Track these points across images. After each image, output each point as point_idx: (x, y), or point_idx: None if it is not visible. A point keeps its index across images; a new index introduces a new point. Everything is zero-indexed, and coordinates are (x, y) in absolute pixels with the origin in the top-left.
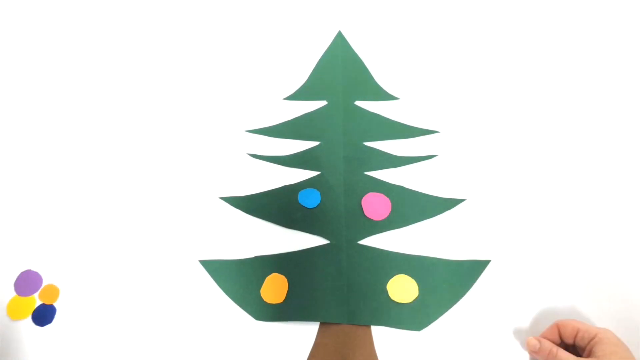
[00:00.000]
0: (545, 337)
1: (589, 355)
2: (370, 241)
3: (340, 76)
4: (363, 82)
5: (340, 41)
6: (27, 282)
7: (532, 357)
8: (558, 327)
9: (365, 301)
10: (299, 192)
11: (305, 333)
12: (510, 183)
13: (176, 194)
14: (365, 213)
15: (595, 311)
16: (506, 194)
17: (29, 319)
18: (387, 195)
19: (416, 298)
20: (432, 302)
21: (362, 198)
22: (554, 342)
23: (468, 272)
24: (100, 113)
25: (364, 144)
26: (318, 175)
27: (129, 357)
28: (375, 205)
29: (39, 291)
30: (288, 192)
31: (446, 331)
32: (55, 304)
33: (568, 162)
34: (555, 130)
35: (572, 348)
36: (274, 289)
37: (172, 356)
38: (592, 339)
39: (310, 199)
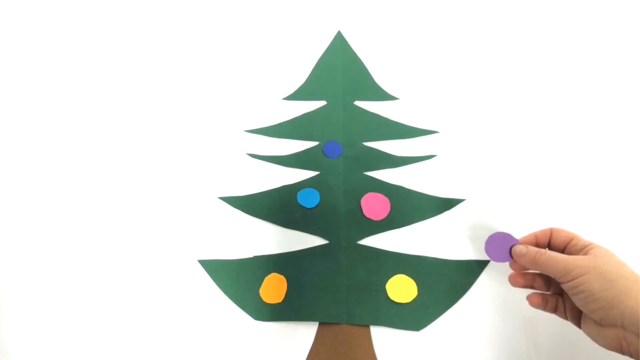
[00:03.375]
0: (537, 236)
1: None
2: (370, 241)
3: (340, 76)
4: (362, 82)
5: (339, 41)
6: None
7: (517, 262)
8: (552, 232)
9: (365, 301)
10: (298, 192)
11: (305, 333)
12: (509, 183)
13: (175, 194)
14: (365, 213)
15: None
16: (506, 194)
17: None
18: (387, 195)
19: (415, 298)
20: (431, 302)
21: (361, 198)
22: (543, 244)
23: (467, 272)
24: (99, 113)
25: (363, 144)
26: (317, 175)
27: (128, 357)
28: (374, 205)
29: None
30: (287, 192)
31: (445, 331)
32: (55, 304)
33: (567, 161)
34: (554, 130)
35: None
36: (273, 289)
37: (172, 356)
38: (587, 246)
39: (309, 199)
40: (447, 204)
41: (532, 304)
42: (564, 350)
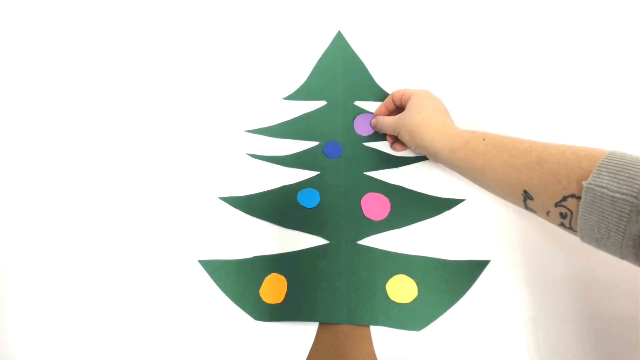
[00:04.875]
0: (385, 104)
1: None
2: (370, 241)
3: (340, 76)
4: (362, 82)
5: (339, 41)
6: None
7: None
8: (392, 96)
9: (365, 301)
10: (299, 192)
11: (304, 333)
12: None
13: (176, 194)
14: (365, 213)
15: (595, 310)
16: None
17: None
18: (387, 196)
19: (415, 298)
20: (431, 302)
21: (361, 198)
22: (390, 108)
23: (467, 272)
24: (99, 113)
25: (363, 144)
26: (317, 175)
27: (128, 357)
28: (374, 206)
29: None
30: (287, 192)
31: (445, 331)
32: (55, 304)
33: None
34: (555, 130)
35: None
36: (273, 289)
37: (171, 356)
38: (409, 97)
39: (309, 199)
40: (447, 204)
41: (397, 150)
42: (564, 350)
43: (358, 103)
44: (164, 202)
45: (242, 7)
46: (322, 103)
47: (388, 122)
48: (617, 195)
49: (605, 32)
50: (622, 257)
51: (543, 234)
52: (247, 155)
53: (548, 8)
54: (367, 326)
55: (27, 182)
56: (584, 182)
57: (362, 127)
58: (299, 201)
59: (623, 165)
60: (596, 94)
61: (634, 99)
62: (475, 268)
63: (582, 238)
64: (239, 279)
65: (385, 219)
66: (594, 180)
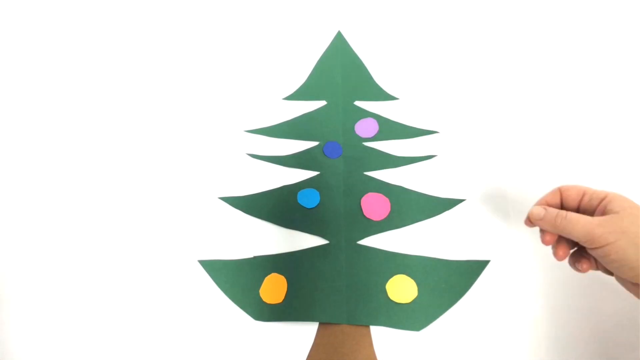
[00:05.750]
0: (547, 204)
1: (602, 214)
2: (370, 241)
3: (340, 76)
4: (362, 82)
5: (339, 41)
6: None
7: (535, 225)
8: (560, 192)
9: (365, 301)
10: (298, 192)
11: (304, 333)
12: (509, 183)
13: (175, 194)
14: (365, 213)
15: (595, 310)
16: (506, 194)
17: None
18: (387, 196)
19: (415, 298)
20: (431, 303)
21: (361, 198)
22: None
23: (467, 272)
24: (99, 113)
25: (363, 144)
26: (317, 175)
27: (128, 357)
28: (374, 206)
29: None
30: (287, 192)
31: (445, 331)
32: (55, 304)
33: (567, 162)
34: (554, 130)
35: (576, 212)
36: (273, 289)
37: (171, 356)
38: (603, 199)
39: (309, 199)
40: (447, 204)
41: (560, 258)
42: (565, 350)
43: (358, 103)
44: (164, 202)
45: (242, 8)
46: (322, 103)
47: (582, 224)
48: None
49: (604, 34)
50: None
51: None
52: (247, 155)
53: (547, 10)
54: (367, 326)
55: (27, 182)
56: None
57: (363, 131)
58: (299, 201)
59: None
60: (595, 95)
61: (634, 103)
62: (475, 268)
63: None
64: (239, 279)
65: (385, 219)
66: None
